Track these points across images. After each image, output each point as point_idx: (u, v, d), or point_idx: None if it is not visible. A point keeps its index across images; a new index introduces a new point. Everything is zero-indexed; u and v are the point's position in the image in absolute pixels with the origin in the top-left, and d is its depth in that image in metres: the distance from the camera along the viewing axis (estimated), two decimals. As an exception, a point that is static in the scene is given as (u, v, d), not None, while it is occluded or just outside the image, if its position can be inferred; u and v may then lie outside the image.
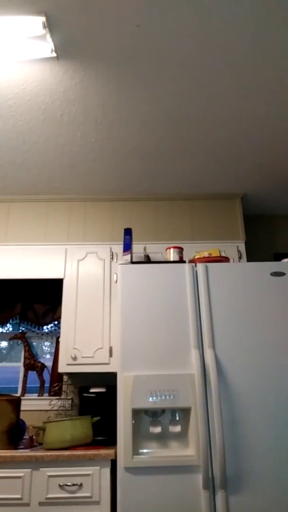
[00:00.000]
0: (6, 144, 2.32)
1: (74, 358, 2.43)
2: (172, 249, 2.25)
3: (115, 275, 2.64)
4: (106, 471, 1.92)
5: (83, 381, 2.72)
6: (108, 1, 1.48)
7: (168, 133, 2.25)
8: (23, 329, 2.89)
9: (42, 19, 1.52)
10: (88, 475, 1.90)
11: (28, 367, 2.77)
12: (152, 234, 2.81)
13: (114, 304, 2.56)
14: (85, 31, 1.60)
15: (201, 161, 2.53)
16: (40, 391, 2.74)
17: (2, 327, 2.95)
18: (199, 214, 2.88)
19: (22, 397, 2.67)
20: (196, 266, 2.02)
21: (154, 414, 1.82)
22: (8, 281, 2.90)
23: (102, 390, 2.37)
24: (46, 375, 2.81)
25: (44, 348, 3.04)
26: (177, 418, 1.81)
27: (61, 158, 2.47)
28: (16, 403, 2.19)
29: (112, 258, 2.69)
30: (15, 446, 2.12)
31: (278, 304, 1.93)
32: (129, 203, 2.91)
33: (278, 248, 3.19)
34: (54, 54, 1.69)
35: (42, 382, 2.76)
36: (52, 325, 2.89)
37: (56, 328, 2.89)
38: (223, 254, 2.71)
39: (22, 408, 2.62)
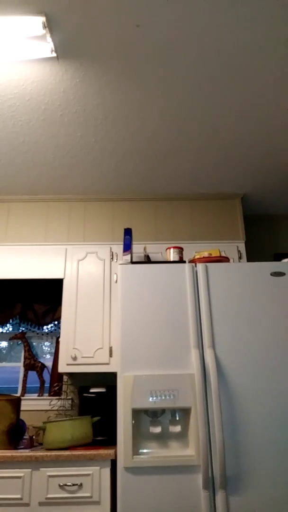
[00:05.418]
0: (6, 144, 2.32)
1: (74, 358, 2.43)
2: (172, 249, 2.25)
3: (115, 275, 2.64)
4: (106, 471, 1.92)
5: (83, 381, 2.72)
6: (108, 1, 1.48)
7: (168, 133, 2.25)
8: (23, 329, 2.89)
9: (42, 19, 1.52)
10: (88, 475, 1.90)
11: (28, 367, 2.77)
12: (152, 234, 2.81)
13: (114, 304, 2.56)
14: (85, 31, 1.60)
15: (201, 161, 2.53)
16: (40, 391, 2.74)
17: (2, 327, 2.94)
18: (199, 214, 2.88)
19: (22, 397, 2.67)
20: (196, 266, 2.02)
21: (154, 414, 1.82)
22: (8, 281, 2.90)
23: (102, 390, 2.37)
24: (46, 375, 2.81)
25: (44, 348, 3.04)
26: (177, 418, 1.81)
27: (61, 158, 2.47)
28: (16, 403, 2.19)
29: (112, 258, 2.69)
30: (15, 446, 2.12)
31: (278, 304, 1.93)
32: (129, 203, 2.91)
33: (278, 248, 3.19)
34: (54, 54, 1.69)
35: (42, 382, 2.76)
36: (52, 325, 2.89)
37: (56, 328, 2.89)
38: (223, 254, 2.71)
39: (22, 408, 2.62)
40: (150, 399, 1.76)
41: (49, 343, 3.04)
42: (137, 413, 1.80)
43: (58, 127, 2.18)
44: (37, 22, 1.53)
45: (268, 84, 1.90)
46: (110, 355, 2.44)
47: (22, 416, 2.61)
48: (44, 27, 1.55)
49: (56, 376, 2.73)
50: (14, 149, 2.37)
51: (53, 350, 2.93)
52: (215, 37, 1.64)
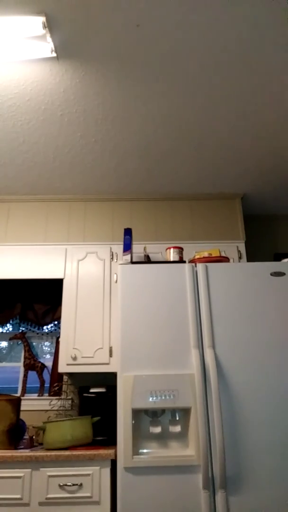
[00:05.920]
0: (6, 144, 2.32)
1: (74, 358, 2.43)
2: (172, 249, 2.25)
3: (115, 275, 2.64)
4: (106, 471, 1.92)
5: (83, 381, 2.72)
6: (108, 1, 1.48)
7: (168, 133, 2.25)
8: (23, 329, 2.89)
9: (42, 19, 1.52)
10: (88, 475, 1.90)
11: (28, 367, 2.77)
12: (152, 234, 2.81)
13: (114, 304, 2.56)
14: (85, 31, 1.60)
15: (201, 161, 2.53)
16: (40, 391, 2.74)
17: (2, 327, 2.94)
18: (199, 214, 2.88)
19: (22, 397, 2.67)
20: (196, 266, 2.02)
21: (154, 414, 1.82)
22: (8, 281, 2.90)
23: (102, 390, 2.37)
24: (46, 375, 2.81)
25: (44, 348, 3.04)
26: (177, 418, 1.81)
27: (61, 158, 2.47)
28: (16, 403, 2.19)
29: (112, 258, 2.69)
30: (15, 446, 2.12)
31: (278, 304, 1.93)
32: (129, 203, 2.91)
33: (278, 248, 3.19)
34: (54, 54, 1.69)
35: (42, 382, 2.76)
36: (52, 325, 2.89)
37: (56, 328, 2.89)
38: (223, 254, 2.71)
39: (22, 408, 2.62)
40: (150, 399, 1.76)
41: (49, 343, 3.04)
42: (137, 413, 1.80)
43: (58, 127, 2.18)
44: (37, 22, 1.53)
45: (269, 84, 1.90)
46: (110, 355, 2.44)
47: (22, 416, 2.61)
48: (44, 27, 1.55)
49: (56, 376, 2.73)
50: (14, 149, 2.37)
51: (53, 350, 2.93)
52: (216, 37, 1.64)
